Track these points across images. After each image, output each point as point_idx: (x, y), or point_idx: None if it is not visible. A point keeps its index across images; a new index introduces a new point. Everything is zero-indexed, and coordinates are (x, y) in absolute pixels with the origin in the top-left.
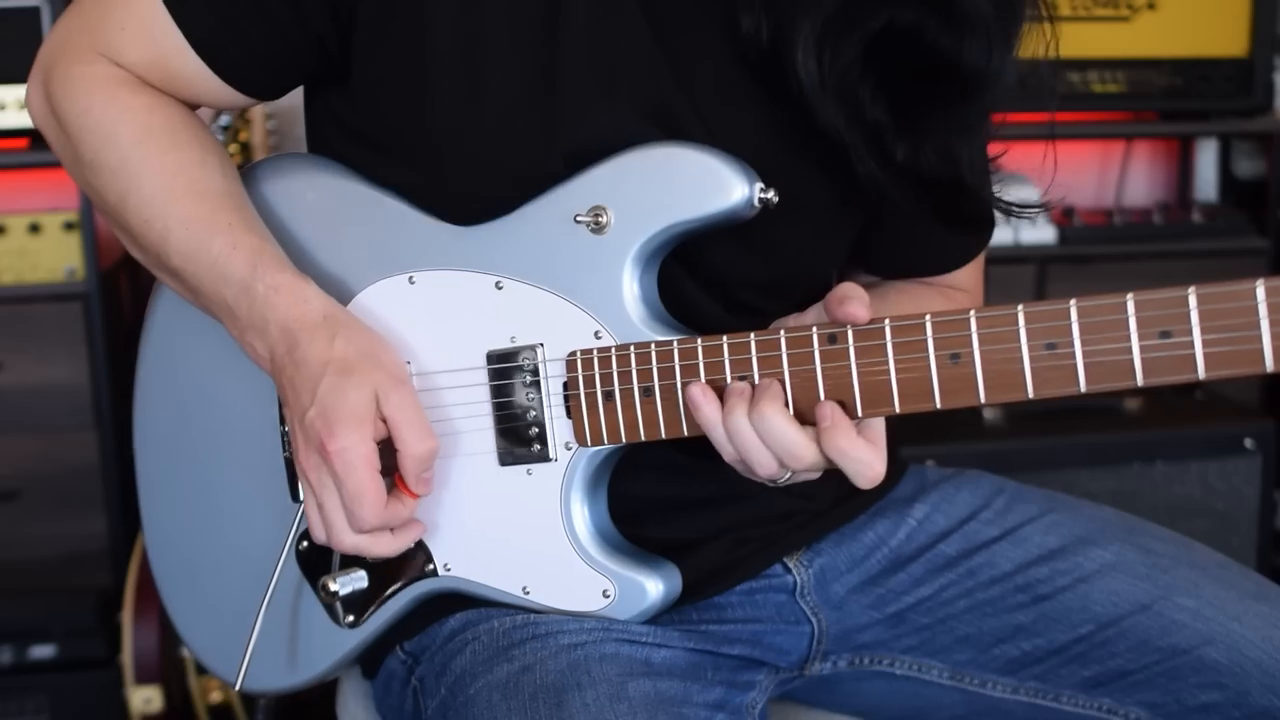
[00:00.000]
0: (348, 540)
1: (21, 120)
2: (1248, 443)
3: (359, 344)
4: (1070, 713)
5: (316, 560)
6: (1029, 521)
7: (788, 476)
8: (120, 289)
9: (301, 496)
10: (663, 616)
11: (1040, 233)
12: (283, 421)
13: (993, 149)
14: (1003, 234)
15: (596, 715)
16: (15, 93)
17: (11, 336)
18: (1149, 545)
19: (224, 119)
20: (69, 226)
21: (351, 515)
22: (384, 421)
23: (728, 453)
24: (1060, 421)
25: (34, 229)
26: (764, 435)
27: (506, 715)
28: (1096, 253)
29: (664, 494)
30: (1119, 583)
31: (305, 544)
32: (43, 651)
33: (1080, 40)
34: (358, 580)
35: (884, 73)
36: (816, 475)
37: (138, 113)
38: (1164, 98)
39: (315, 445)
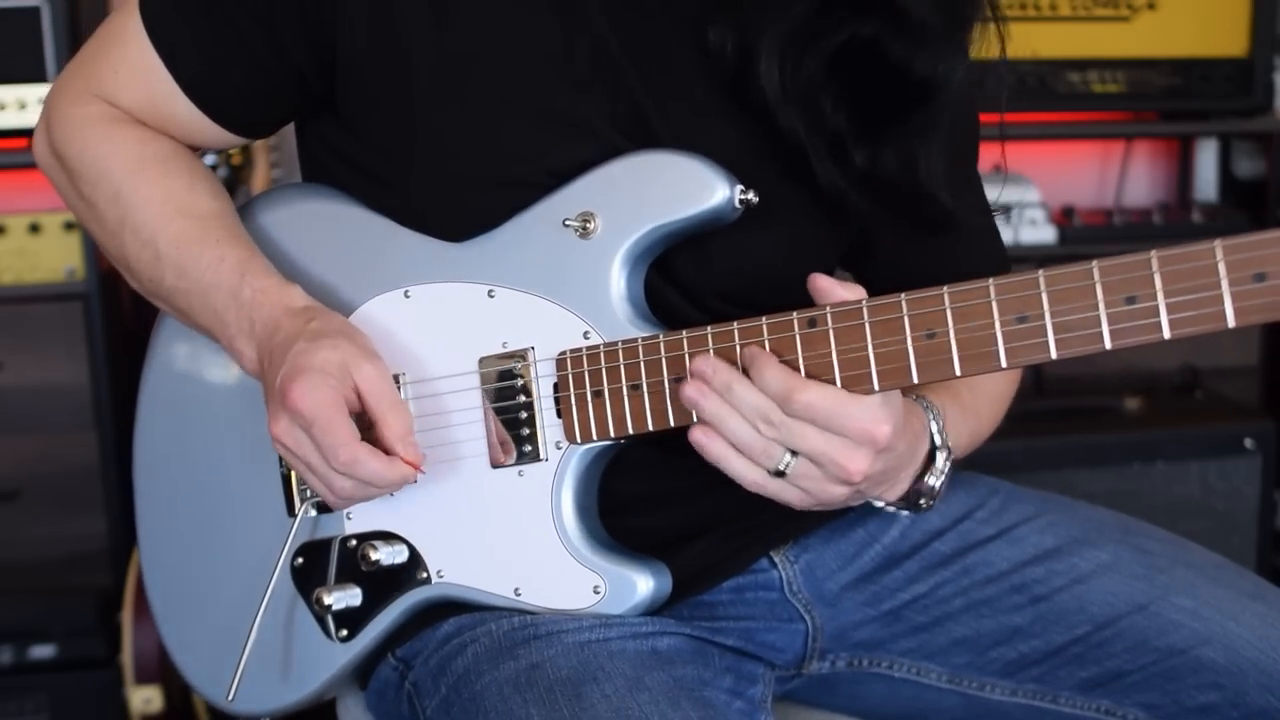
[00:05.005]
0: (336, 481)
1: (21, 120)
2: (1248, 443)
3: (334, 324)
4: (1068, 714)
5: (311, 577)
6: (1024, 521)
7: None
8: (120, 289)
9: (297, 502)
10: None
11: (1040, 233)
12: None
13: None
14: (1002, 234)
15: (618, 706)
16: (15, 93)
17: (11, 336)
18: (1145, 545)
19: None
20: (69, 226)
21: (325, 450)
22: (358, 396)
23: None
24: (1060, 421)
25: (34, 229)
26: (734, 402)
27: (523, 707)
28: (1096, 253)
29: (647, 489)
30: (1115, 583)
31: (300, 560)
32: (43, 651)
33: (1080, 40)
34: (352, 596)
35: (844, 82)
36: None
37: (131, 145)
38: (1164, 98)
39: (280, 401)
